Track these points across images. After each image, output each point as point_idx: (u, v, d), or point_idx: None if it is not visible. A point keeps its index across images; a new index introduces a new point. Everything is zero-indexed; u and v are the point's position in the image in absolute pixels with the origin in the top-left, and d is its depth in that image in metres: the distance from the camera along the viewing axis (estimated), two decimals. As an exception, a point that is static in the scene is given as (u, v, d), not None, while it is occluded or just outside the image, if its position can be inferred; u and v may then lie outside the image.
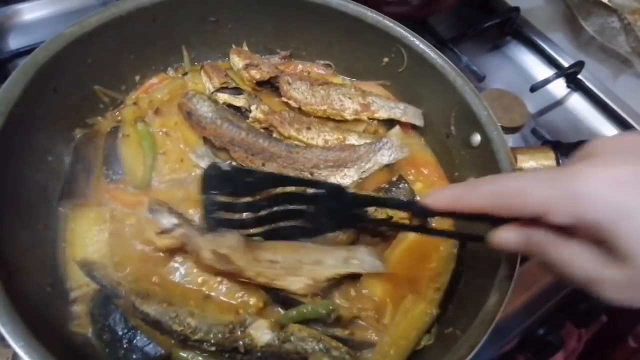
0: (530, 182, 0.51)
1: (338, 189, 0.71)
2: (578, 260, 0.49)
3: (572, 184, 0.47)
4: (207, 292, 0.76)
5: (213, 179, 0.72)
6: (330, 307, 0.73)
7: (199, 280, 0.77)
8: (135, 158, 0.87)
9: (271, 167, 0.88)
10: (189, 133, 0.91)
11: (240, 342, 0.69)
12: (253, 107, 0.94)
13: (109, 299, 0.74)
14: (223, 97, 0.95)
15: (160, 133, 0.90)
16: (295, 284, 0.75)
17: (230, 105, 0.95)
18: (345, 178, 0.88)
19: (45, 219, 0.79)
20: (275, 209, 0.71)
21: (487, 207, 0.54)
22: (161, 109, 0.93)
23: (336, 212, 0.69)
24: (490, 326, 0.66)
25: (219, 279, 0.77)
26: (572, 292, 1.00)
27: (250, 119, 0.94)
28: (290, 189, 0.71)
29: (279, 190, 0.72)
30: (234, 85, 0.97)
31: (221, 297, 0.76)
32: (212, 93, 0.96)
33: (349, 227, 0.71)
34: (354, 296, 0.80)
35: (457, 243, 0.84)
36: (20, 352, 0.57)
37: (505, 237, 0.56)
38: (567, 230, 0.49)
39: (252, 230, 0.75)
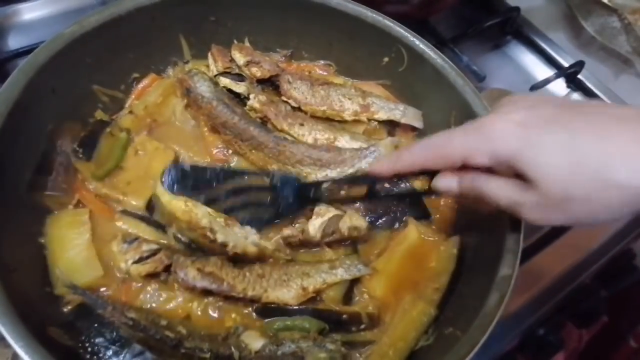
0: (451, 134, 0.63)
1: (290, 179, 0.78)
2: (503, 191, 0.60)
3: (485, 128, 0.59)
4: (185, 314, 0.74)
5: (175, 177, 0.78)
6: (322, 326, 0.74)
7: (174, 305, 0.74)
8: (108, 155, 0.86)
9: (257, 156, 0.89)
10: (159, 164, 0.86)
11: (235, 350, 0.69)
12: (252, 96, 0.94)
13: (91, 310, 0.70)
14: (225, 81, 0.96)
15: (135, 150, 0.88)
16: (286, 294, 0.75)
17: (230, 91, 0.96)
18: (327, 179, 0.87)
19: (41, 221, 0.78)
20: (239, 198, 0.76)
21: (421, 162, 0.67)
22: (155, 128, 0.92)
23: (292, 198, 0.77)
24: (490, 326, 0.66)
25: (195, 304, 0.74)
26: (573, 292, 1.00)
27: (247, 107, 0.95)
28: (248, 181, 0.77)
29: (237, 184, 0.77)
30: (237, 71, 0.98)
31: (199, 318, 0.74)
32: (215, 76, 0.97)
33: (306, 207, 0.80)
34: (355, 296, 0.80)
35: (458, 243, 0.84)
36: (20, 352, 0.57)
37: (442, 182, 0.67)
38: (490, 170, 0.60)
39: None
